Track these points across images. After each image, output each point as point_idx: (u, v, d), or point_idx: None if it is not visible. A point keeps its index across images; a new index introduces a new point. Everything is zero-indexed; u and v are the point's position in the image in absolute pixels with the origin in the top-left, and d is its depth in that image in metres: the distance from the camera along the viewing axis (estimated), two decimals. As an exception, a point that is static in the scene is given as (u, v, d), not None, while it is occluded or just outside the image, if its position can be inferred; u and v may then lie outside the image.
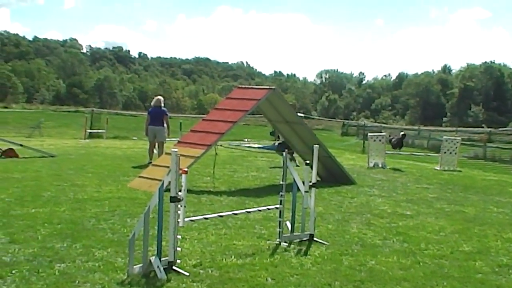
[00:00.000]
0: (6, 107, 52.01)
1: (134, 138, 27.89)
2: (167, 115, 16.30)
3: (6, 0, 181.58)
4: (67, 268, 5.74)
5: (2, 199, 9.10)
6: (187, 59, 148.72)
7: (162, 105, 16.28)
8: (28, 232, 7.11)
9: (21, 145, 16.76)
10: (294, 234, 7.37)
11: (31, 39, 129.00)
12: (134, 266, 5.62)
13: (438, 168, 18.08)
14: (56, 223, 7.70)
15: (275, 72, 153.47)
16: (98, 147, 20.90)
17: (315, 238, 7.41)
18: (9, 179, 11.41)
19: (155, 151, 15.98)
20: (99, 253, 6.32)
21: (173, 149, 6.08)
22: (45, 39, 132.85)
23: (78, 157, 16.83)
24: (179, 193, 5.83)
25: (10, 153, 15.85)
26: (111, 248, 6.51)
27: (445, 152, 18.42)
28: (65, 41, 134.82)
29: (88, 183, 11.38)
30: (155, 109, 16.13)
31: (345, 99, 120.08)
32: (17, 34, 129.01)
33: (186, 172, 5.98)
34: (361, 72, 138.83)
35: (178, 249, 6.01)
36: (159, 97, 16.80)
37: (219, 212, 7.79)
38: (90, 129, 28.26)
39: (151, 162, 14.41)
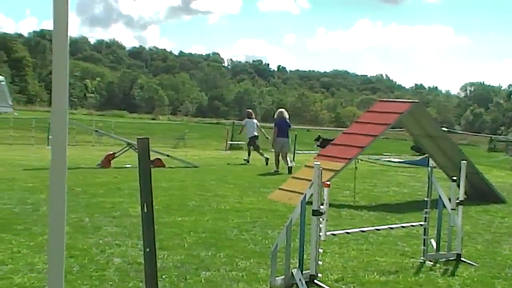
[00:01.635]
0: (153, 119, 54.99)
1: (273, 150, 28.27)
2: (290, 126, 17.51)
3: (156, 18, 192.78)
4: (212, 276, 5.89)
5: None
6: (325, 72, 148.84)
7: (287, 117, 17.36)
8: (175, 239, 7.41)
9: (167, 156, 17.61)
10: (440, 253, 7.06)
11: (177, 53, 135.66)
12: (276, 278, 5.65)
13: None
14: (201, 231, 7.96)
15: (416, 85, 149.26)
16: (239, 159, 21.43)
17: (462, 258, 7.05)
18: (157, 188, 11.97)
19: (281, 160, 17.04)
20: (242, 263, 6.43)
21: (315, 163, 6.06)
22: (190, 53, 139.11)
23: (220, 168, 17.39)
24: (321, 207, 5.79)
25: (157, 163, 16.70)
26: (254, 259, 6.60)
27: None
28: (208, 55, 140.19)
29: (229, 194, 11.69)
30: (282, 121, 17.17)
31: (492, 113, 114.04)
32: (164, 49, 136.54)
33: (328, 186, 5.93)
34: (510, 85, 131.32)
35: (320, 262, 5.97)
36: (283, 109, 17.90)
37: (360, 227, 7.67)
38: (231, 140, 29.06)
39: (277, 171, 16.41)
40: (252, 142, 19.47)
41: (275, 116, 17.60)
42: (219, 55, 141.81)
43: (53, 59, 1.74)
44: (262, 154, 19.62)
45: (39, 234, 7.40)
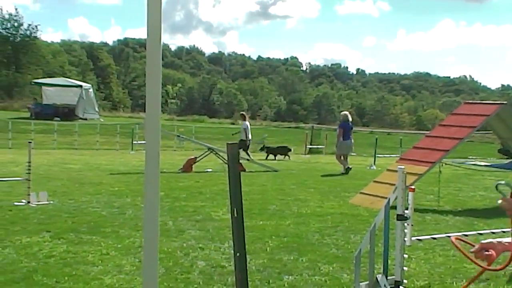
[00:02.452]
0: (233, 124, 55.52)
1: (353, 154, 27.96)
2: (352, 128, 18.21)
3: (235, 23, 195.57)
4: (295, 280, 5.87)
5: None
6: (405, 74, 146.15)
7: (351, 120, 18.02)
8: (257, 243, 7.44)
9: (247, 160, 17.73)
10: (533, 261, 6.73)
11: (255, 58, 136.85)
12: (360, 283, 5.56)
13: None
14: (282, 236, 7.96)
15: (502, 85, 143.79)
16: (318, 163, 21.34)
17: (558, 267, 6.69)
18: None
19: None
20: (325, 268, 6.38)
21: (399, 166, 5.93)
22: (268, 58, 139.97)
23: (300, 172, 17.34)
24: (406, 211, 5.66)
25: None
26: (336, 264, 6.54)
27: None
28: (286, 59, 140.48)
29: (310, 198, 11.63)
30: (346, 124, 17.64)
31: None
32: (243, 55, 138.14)
33: (413, 190, 5.80)
34: None
35: (405, 268, 5.83)
36: (347, 112, 18.69)
37: (445, 232, 7.45)
38: (310, 144, 28.95)
39: (349, 168, 16.98)
40: (244, 144, 19.91)
41: (341, 119, 18.14)
42: (297, 59, 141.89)
43: (146, 68, 1.78)
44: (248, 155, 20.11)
45: (126, 236, 7.62)
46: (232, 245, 7.07)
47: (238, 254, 2.65)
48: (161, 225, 8.18)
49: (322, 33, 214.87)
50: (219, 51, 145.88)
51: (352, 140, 17.84)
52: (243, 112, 22.96)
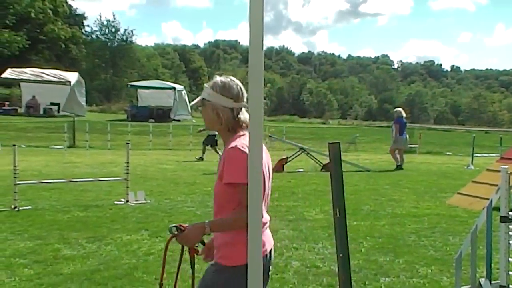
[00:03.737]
0: (323, 123, 55.31)
1: (448, 153, 27.16)
2: (406, 125, 18.59)
3: (325, 23, 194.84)
4: (392, 282, 5.75)
5: (326, 211, 9.59)
6: (505, 70, 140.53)
7: (405, 116, 18.57)
8: (352, 244, 7.32)
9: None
10: None
11: (345, 57, 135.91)
12: (462, 287, 5.37)
13: None
14: (377, 236, 7.82)
15: None
16: (412, 162, 20.83)
17: None
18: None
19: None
20: (423, 270, 6.21)
21: (502, 166, 5.67)
22: (358, 57, 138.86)
23: (393, 172, 17.00)
24: (510, 213, 5.41)
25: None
26: (435, 266, 6.35)
27: None
28: (377, 58, 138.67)
29: (405, 198, 11.38)
30: (401, 120, 18.18)
31: None
32: (333, 54, 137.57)
33: (518, 191, 5.52)
34: None
35: (510, 273, 5.57)
36: (401, 109, 19.05)
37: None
38: (403, 144, 28.29)
39: (400, 166, 17.76)
40: (212, 141, 19.78)
41: (395, 115, 18.47)
42: (388, 57, 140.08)
43: (249, 70, 1.78)
44: (218, 152, 19.46)
45: (221, 235, 7.72)
46: (325, 245, 7.05)
47: (341, 255, 2.61)
48: (255, 225, 8.26)
49: (415, 30, 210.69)
50: (309, 51, 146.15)
51: (407, 136, 18.53)
52: None
